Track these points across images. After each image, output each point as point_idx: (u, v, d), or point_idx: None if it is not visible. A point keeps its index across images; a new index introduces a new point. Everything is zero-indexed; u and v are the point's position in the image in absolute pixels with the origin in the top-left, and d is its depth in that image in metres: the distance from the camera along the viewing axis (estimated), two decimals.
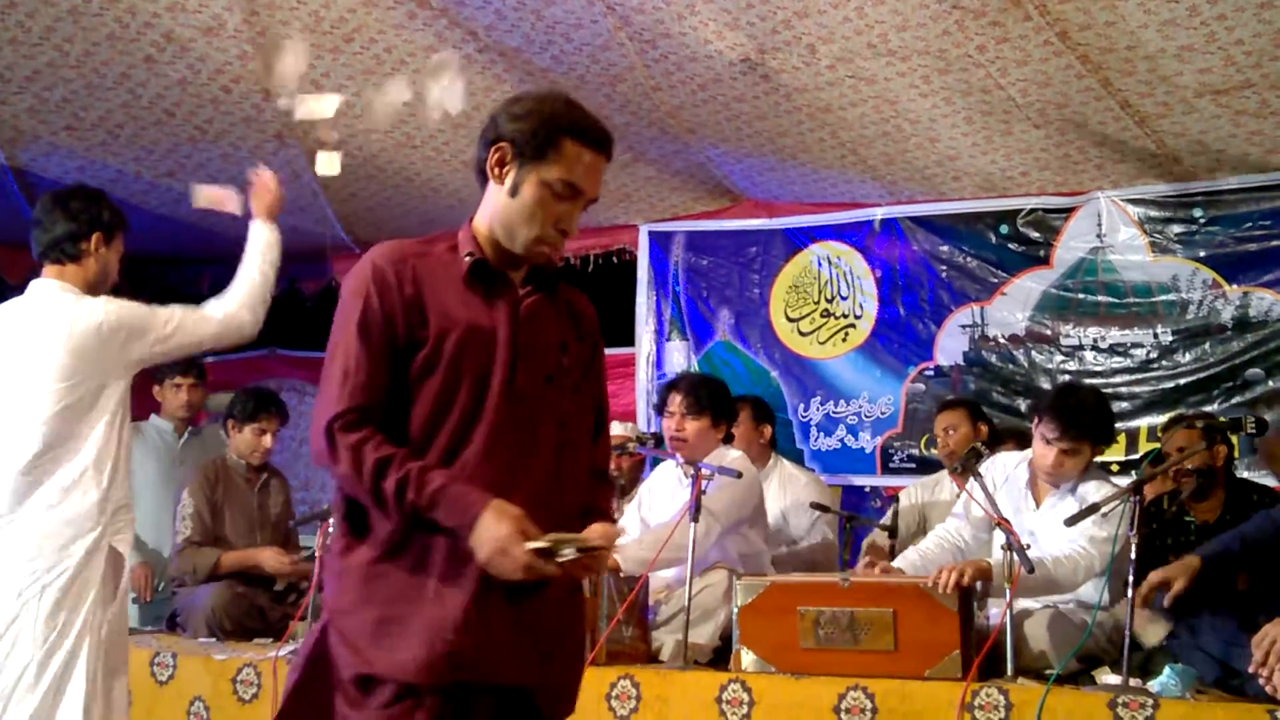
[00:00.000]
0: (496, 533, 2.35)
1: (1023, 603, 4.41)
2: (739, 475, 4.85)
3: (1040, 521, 4.56)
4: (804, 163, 6.83)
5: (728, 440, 5.33)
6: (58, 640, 3.64)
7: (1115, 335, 6.69)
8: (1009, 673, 4.05)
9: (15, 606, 3.63)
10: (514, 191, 2.61)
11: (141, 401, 3.96)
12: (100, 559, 3.72)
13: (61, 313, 3.81)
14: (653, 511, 5.32)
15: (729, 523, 5.01)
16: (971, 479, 4.49)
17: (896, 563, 4.66)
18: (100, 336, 3.78)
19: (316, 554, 5.34)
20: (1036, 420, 4.60)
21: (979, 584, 4.23)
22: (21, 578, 3.64)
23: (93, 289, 3.91)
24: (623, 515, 5.81)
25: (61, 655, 3.63)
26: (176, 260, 8.80)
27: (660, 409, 5.36)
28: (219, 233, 8.06)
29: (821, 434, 7.37)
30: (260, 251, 4.17)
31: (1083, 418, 4.49)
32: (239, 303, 4.04)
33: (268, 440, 6.06)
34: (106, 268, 3.97)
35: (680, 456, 5.06)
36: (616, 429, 6.73)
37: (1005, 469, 4.78)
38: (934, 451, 6.47)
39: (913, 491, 6.26)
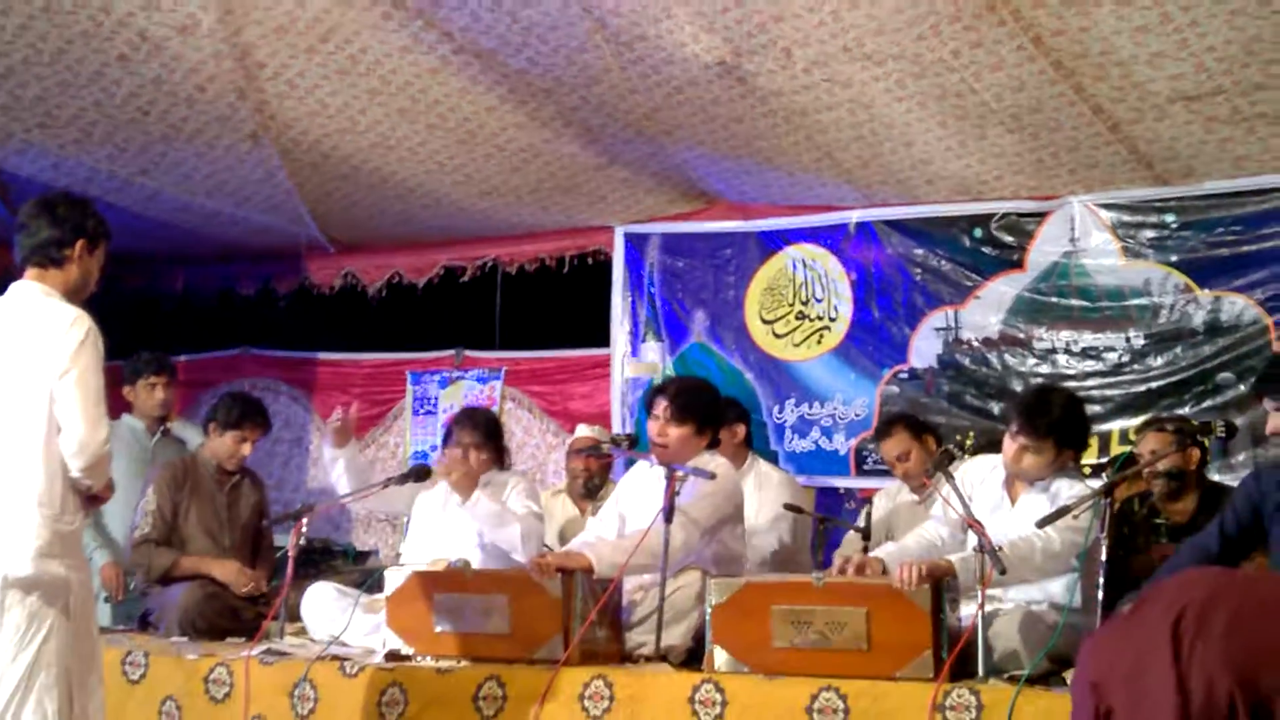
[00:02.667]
0: None
1: (994, 602, 4.44)
2: (712, 476, 4.87)
3: (1015, 520, 4.59)
4: (780, 166, 6.86)
5: (713, 446, 5.34)
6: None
7: (1088, 339, 6.73)
8: (980, 673, 4.09)
9: None
10: None
11: (111, 401, 3.93)
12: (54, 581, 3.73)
13: (45, 315, 3.81)
14: (631, 509, 5.33)
15: (708, 527, 5.02)
16: (943, 480, 4.52)
17: (876, 552, 4.69)
18: (72, 344, 3.77)
19: (290, 554, 5.35)
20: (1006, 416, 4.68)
21: (949, 583, 4.26)
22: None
23: (73, 295, 3.92)
24: (596, 514, 5.83)
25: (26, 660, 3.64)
26: (150, 260, 8.79)
27: (648, 410, 5.38)
28: (192, 231, 8.07)
29: (796, 435, 7.40)
30: None
31: (1043, 418, 4.55)
32: (101, 441, 3.81)
33: (246, 449, 6.07)
34: (88, 275, 3.97)
35: (655, 459, 5.07)
36: (584, 431, 6.76)
37: (982, 472, 4.82)
38: None
39: (883, 495, 6.29)
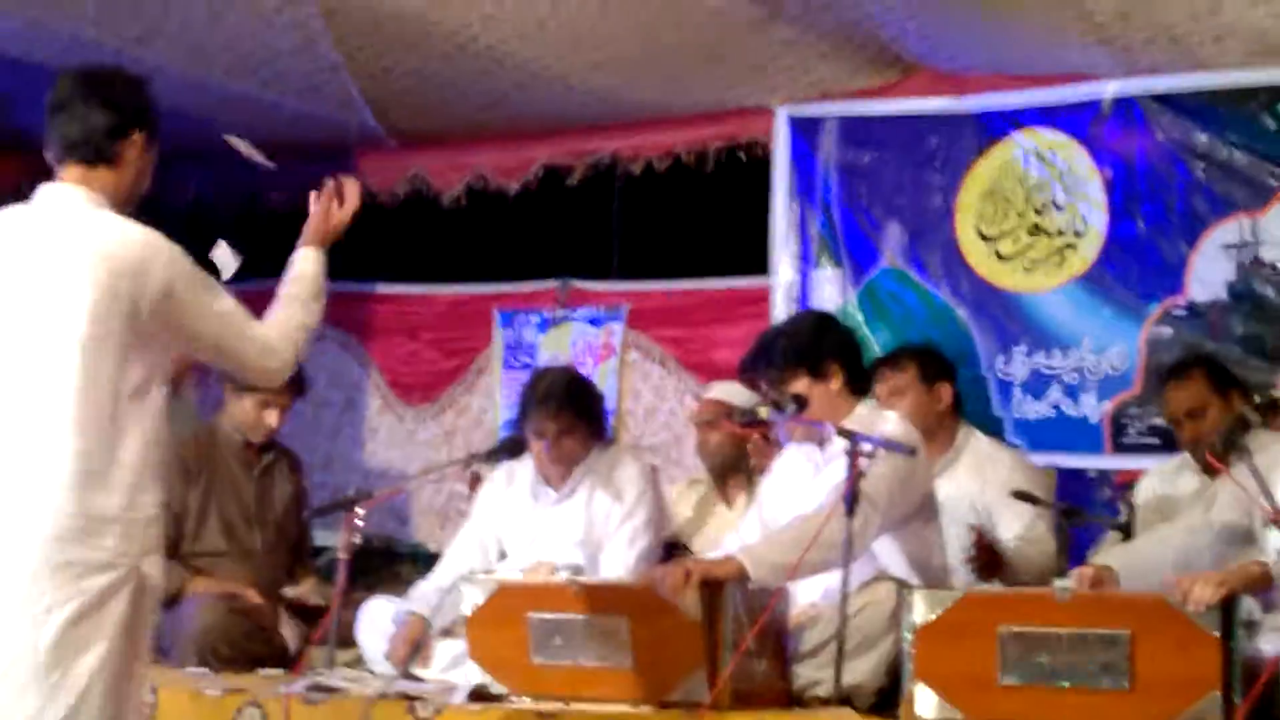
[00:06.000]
0: None
1: None
2: (912, 451, 4.84)
3: None
4: (1004, 18, 6.76)
5: (861, 394, 5.34)
6: (57, 689, 3.70)
7: None
8: None
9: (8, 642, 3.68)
10: None
11: None
12: (126, 591, 3.76)
13: (99, 235, 3.81)
14: (778, 513, 5.33)
15: (890, 510, 4.99)
16: (1238, 461, 4.45)
17: (1103, 556, 4.64)
18: (156, 286, 3.81)
19: (340, 556, 5.42)
20: None
21: (1250, 600, 4.19)
22: (19, 604, 3.69)
23: (121, 204, 3.95)
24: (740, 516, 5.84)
25: (60, 709, 3.70)
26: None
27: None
28: (205, 121, 8.14)
29: (1028, 396, 7.32)
30: (306, 284, 4.24)
31: None
32: (282, 334, 4.11)
33: (272, 418, 6.17)
34: (141, 178, 4.03)
35: (831, 425, 5.03)
36: (715, 391, 6.71)
37: (1269, 455, 4.73)
38: None
39: (1159, 476, 6.19)
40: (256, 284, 9.14)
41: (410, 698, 4.88)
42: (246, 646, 5.71)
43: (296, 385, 6.23)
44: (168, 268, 3.82)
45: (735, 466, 6.54)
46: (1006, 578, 5.78)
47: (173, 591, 5.92)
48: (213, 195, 9.19)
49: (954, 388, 6.36)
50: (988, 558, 5.66)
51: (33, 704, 3.62)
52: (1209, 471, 5.79)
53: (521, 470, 5.96)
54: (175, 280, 3.82)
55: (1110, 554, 4.73)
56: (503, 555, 5.93)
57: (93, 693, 3.66)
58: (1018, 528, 6.01)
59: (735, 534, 5.47)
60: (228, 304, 3.97)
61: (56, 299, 3.74)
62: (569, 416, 5.76)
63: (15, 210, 3.90)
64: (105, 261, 3.75)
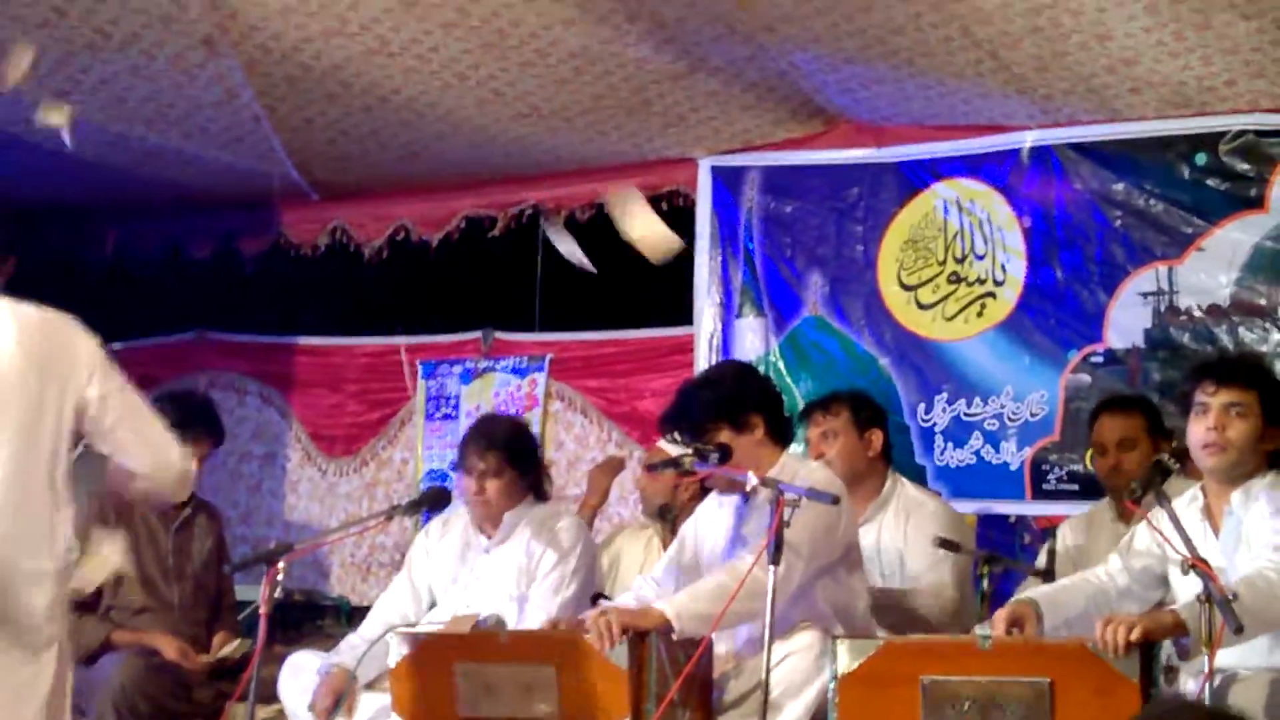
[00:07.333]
0: None
1: (1229, 661, 4.38)
2: (835, 500, 4.86)
3: (1219, 556, 4.54)
4: (925, 71, 6.81)
5: (783, 443, 5.36)
6: None
7: None
8: None
9: None
10: None
11: None
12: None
13: (21, 318, 3.89)
14: (698, 561, 5.33)
15: (813, 558, 5.00)
16: (1155, 506, 4.48)
17: (1027, 593, 4.67)
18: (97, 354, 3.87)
19: (261, 611, 5.38)
20: (1190, 389, 4.68)
21: (1168, 644, 4.21)
22: None
23: None
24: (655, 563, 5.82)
25: None
26: (70, 213, 8.86)
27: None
28: (127, 174, 8.13)
29: (950, 444, 7.35)
30: None
31: (1256, 367, 4.64)
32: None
33: (191, 467, 6.14)
34: None
35: (753, 476, 5.03)
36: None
37: (1179, 505, 4.79)
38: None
39: (1072, 527, 6.22)
40: (185, 336, 9.16)
41: None
42: (164, 702, 5.67)
43: (213, 433, 6.21)
44: (93, 353, 3.99)
45: (666, 514, 6.53)
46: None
47: (94, 646, 5.87)
48: (133, 248, 9.13)
49: (885, 435, 6.37)
50: None
51: None
52: (1123, 518, 5.84)
53: (457, 520, 5.95)
54: (100, 359, 4.03)
55: (1033, 590, 4.75)
56: (434, 604, 5.91)
57: None
58: (917, 570, 6.02)
59: (648, 579, 5.45)
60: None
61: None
62: (497, 459, 5.74)
63: None
64: (37, 347, 3.90)
